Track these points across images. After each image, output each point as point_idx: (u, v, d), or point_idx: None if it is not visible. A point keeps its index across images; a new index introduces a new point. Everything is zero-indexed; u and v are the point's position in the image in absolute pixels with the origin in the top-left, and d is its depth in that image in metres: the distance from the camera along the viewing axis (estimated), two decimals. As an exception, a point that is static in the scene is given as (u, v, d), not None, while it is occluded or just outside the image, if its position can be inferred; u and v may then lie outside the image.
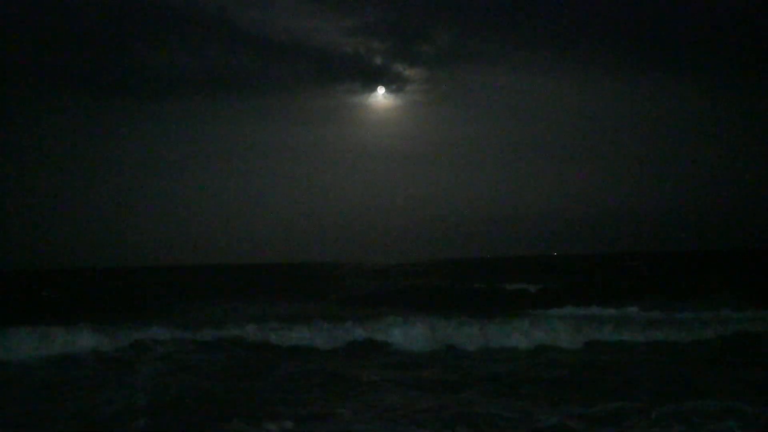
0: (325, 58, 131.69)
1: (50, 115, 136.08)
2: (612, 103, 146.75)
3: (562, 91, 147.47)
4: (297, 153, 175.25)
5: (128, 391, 10.31)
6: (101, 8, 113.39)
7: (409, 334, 13.90)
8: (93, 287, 48.18)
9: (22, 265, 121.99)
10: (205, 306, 27.24)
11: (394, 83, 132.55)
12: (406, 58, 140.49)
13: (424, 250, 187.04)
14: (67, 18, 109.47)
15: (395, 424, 8.34)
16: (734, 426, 7.68)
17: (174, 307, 26.99)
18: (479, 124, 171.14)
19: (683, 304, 21.56)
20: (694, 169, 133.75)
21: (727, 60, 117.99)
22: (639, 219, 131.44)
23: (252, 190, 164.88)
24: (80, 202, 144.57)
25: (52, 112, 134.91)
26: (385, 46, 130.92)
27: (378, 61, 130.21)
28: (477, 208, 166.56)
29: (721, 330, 14.75)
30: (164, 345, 13.87)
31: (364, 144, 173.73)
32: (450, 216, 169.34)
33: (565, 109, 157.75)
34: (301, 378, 11.49)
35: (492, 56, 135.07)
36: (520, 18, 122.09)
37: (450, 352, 13.18)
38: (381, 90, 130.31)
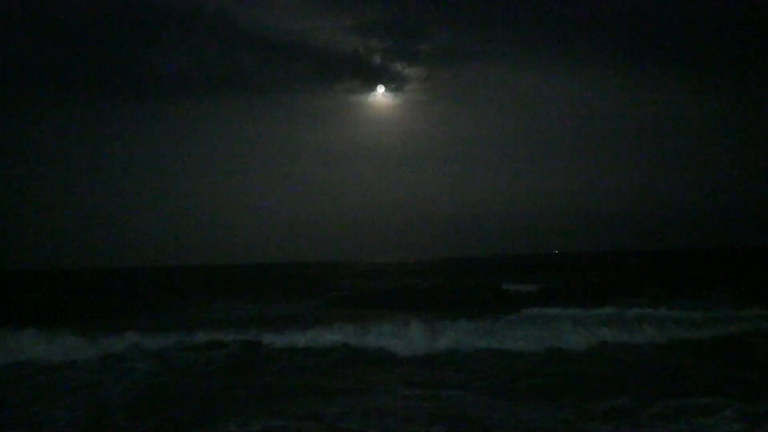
0: (325, 58, 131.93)
1: (50, 115, 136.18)
2: (612, 100, 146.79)
3: (562, 89, 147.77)
4: (297, 152, 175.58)
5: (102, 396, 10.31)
6: (101, 9, 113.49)
7: (399, 335, 13.73)
8: (89, 288, 48.11)
9: (20, 266, 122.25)
10: (198, 306, 27.44)
11: (393, 82, 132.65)
12: (406, 56, 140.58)
13: (425, 249, 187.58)
14: (67, 19, 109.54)
15: (383, 422, 8.26)
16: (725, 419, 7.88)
17: (163, 307, 27.12)
18: (479, 122, 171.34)
19: (686, 303, 21.77)
20: (697, 167, 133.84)
21: (729, 58, 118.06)
22: (641, 217, 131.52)
23: (252, 189, 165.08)
24: (79, 202, 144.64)
25: (52, 112, 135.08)
26: (384, 45, 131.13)
27: (377, 60, 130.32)
28: (477, 206, 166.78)
29: (719, 330, 14.58)
30: (150, 344, 13.79)
31: (363, 143, 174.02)
32: (450, 214, 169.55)
33: (564, 107, 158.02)
34: (290, 378, 11.39)
35: (491, 54, 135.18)
36: (519, 16, 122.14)
37: (443, 353, 12.98)
38: (381, 89, 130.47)
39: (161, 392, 10.50)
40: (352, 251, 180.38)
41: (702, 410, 8.28)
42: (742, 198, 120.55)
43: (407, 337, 13.66)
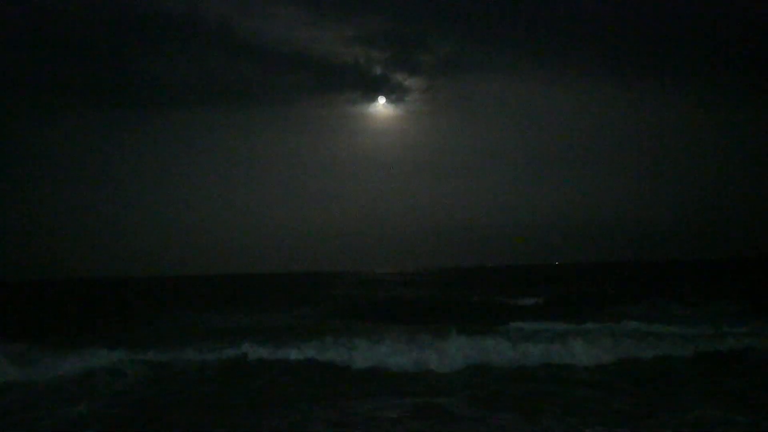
0: (326, 68, 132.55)
1: (51, 125, 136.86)
2: (612, 111, 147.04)
3: (562, 99, 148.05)
4: (297, 162, 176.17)
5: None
6: (103, 20, 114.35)
7: (376, 351, 13.55)
8: (83, 298, 48.11)
9: (23, 276, 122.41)
10: (189, 317, 27.43)
11: (394, 93, 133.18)
12: (406, 67, 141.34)
13: (426, 259, 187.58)
14: (70, 30, 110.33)
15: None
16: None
17: (154, 318, 27.17)
18: (479, 133, 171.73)
19: (681, 316, 21.79)
20: (693, 178, 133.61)
21: (728, 71, 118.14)
22: (641, 227, 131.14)
23: (252, 199, 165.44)
24: (80, 211, 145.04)
25: (53, 121, 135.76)
26: (385, 56, 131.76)
27: (378, 70, 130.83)
28: (478, 216, 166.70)
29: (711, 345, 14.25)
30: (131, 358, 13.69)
31: (364, 153, 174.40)
32: (450, 224, 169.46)
33: (564, 117, 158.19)
34: (274, 391, 11.48)
35: (491, 66, 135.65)
36: (519, 28, 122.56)
37: (422, 371, 12.61)
38: (381, 100, 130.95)
39: (138, 407, 10.49)
40: (353, 261, 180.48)
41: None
42: (742, 208, 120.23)
43: (384, 354, 13.46)
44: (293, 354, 13.91)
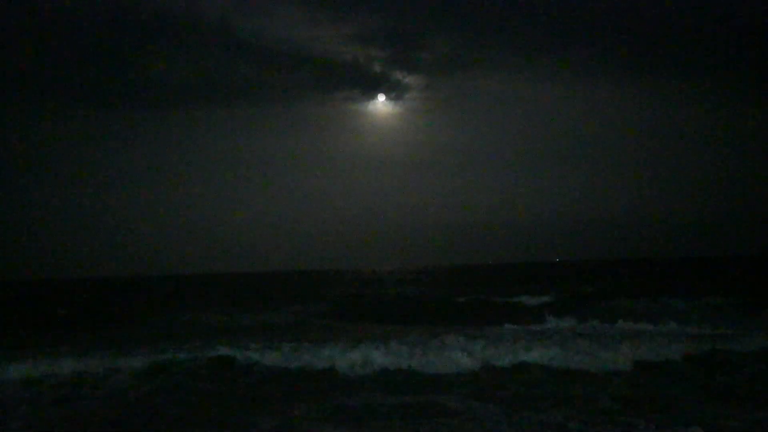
0: (325, 66, 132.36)
1: (49, 124, 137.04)
2: (611, 108, 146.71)
3: (561, 97, 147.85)
4: (297, 161, 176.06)
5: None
6: (102, 19, 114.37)
7: (349, 357, 13.12)
8: (75, 298, 48.16)
9: (23, 275, 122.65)
10: (180, 316, 27.63)
11: (393, 91, 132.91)
12: (405, 65, 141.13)
13: (425, 257, 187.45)
14: (68, 29, 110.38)
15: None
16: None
17: (140, 318, 27.35)
18: (478, 131, 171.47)
19: (680, 313, 21.82)
20: (694, 175, 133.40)
21: (727, 68, 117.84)
22: (641, 225, 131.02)
23: (251, 198, 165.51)
24: (78, 210, 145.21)
25: (54, 122, 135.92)
26: (384, 54, 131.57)
27: (377, 68, 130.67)
28: (477, 214, 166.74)
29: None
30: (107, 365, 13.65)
31: (363, 151, 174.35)
32: (450, 222, 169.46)
33: (563, 115, 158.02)
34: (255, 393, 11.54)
35: (491, 63, 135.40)
36: (518, 25, 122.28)
37: (391, 374, 12.36)
38: (381, 97, 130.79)
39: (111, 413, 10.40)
40: (353, 259, 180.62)
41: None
42: (742, 206, 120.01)
43: (357, 359, 13.26)
44: (256, 356, 13.84)
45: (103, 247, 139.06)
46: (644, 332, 16.61)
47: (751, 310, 22.98)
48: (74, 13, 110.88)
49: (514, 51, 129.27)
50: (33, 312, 33.94)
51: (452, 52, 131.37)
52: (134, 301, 41.73)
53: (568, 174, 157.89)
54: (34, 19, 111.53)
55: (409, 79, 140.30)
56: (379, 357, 13.16)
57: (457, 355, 13.00)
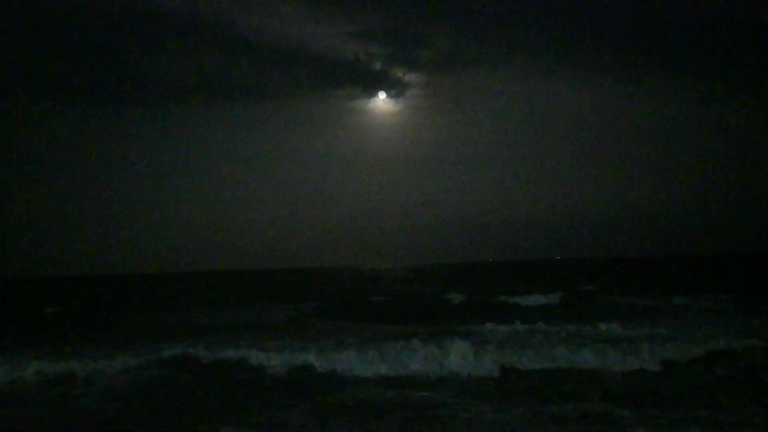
0: (325, 64, 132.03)
1: (50, 122, 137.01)
2: (612, 106, 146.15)
3: (562, 94, 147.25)
4: (297, 158, 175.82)
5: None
6: (103, 18, 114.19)
7: (331, 358, 12.77)
8: (67, 297, 47.90)
9: (23, 272, 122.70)
10: (168, 315, 27.53)
11: (393, 88, 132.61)
12: (406, 62, 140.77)
13: (426, 254, 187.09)
14: (70, 28, 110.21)
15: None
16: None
17: (124, 319, 27.13)
18: (479, 128, 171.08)
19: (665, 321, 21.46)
20: (698, 171, 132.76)
21: (729, 65, 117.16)
22: (640, 223, 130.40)
23: (252, 196, 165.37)
24: (79, 208, 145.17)
25: (53, 118, 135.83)
26: (384, 52, 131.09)
27: (377, 66, 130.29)
28: (478, 211, 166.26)
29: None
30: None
31: (364, 148, 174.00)
32: (451, 219, 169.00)
33: (565, 112, 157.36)
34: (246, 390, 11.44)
35: (491, 60, 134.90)
36: (519, 23, 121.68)
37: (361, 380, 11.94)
38: (382, 95, 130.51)
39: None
40: (353, 257, 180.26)
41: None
42: (745, 203, 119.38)
43: (336, 361, 12.92)
44: (229, 354, 13.62)
45: (100, 244, 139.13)
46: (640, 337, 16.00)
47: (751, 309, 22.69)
48: (74, 11, 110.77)
49: (514, 48, 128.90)
50: (20, 310, 33.67)
51: (453, 49, 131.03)
52: (125, 300, 41.46)
53: (569, 172, 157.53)
54: (33, 17, 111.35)
55: (409, 77, 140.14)
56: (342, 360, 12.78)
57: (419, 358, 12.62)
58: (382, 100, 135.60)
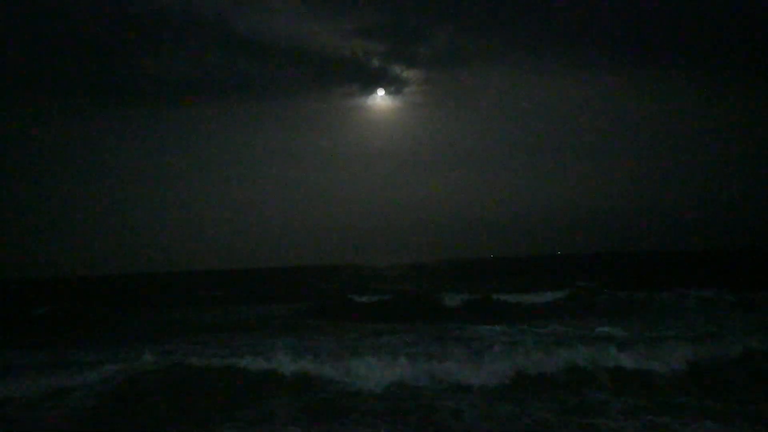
0: (324, 62, 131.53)
1: (50, 122, 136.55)
2: (611, 101, 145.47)
3: (561, 90, 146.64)
4: (296, 156, 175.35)
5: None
6: (101, 17, 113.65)
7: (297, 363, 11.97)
8: (61, 298, 47.51)
9: (21, 274, 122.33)
10: (147, 316, 27.39)
11: (392, 85, 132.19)
12: (404, 59, 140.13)
13: (425, 251, 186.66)
14: (67, 27, 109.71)
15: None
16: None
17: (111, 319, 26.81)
18: (477, 124, 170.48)
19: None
20: (697, 167, 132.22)
21: (728, 62, 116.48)
22: (640, 218, 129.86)
23: (251, 194, 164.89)
24: (78, 207, 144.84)
25: (53, 118, 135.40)
26: (382, 49, 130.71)
27: (376, 63, 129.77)
28: (477, 208, 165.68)
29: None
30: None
31: (363, 146, 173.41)
32: (451, 216, 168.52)
33: (563, 108, 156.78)
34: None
35: (489, 57, 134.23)
36: (517, 19, 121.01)
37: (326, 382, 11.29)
38: (380, 92, 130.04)
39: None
40: (352, 254, 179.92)
41: None
42: (746, 199, 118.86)
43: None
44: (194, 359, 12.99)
45: (100, 244, 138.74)
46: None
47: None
48: (72, 12, 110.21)
49: (513, 45, 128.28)
50: (8, 312, 33.27)
51: (451, 45, 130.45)
52: (118, 300, 41.01)
53: (568, 167, 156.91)
54: (32, 17, 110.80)
55: (407, 74, 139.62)
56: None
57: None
58: (380, 97, 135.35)
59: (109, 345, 17.23)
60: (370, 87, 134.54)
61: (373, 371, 11.39)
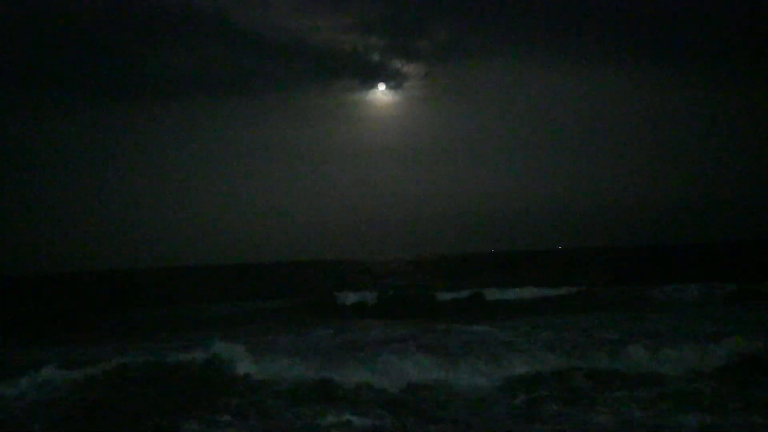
0: (324, 56, 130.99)
1: (50, 118, 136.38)
2: (612, 96, 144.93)
3: (562, 84, 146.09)
4: (297, 151, 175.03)
5: None
6: (99, 12, 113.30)
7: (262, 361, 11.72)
8: (62, 295, 47.45)
9: (23, 269, 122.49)
10: (136, 312, 27.15)
11: (392, 79, 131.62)
12: (404, 54, 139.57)
13: (425, 246, 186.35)
14: (66, 22, 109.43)
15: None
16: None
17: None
18: (478, 119, 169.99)
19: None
20: (697, 162, 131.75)
21: (729, 53, 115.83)
22: (641, 212, 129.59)
23: (252, 189, 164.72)
24: (78, 203, 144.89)
25: (52, 115, 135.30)
26: (383, 43, 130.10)
27: (376, 57, 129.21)
28: (478, 202, 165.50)
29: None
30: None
31: (363, 140, 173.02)
32: (451, 211, 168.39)
33: (564, 103, 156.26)
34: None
35: (490, 51, 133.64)
36: (517, 12, 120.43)
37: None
38: (381, 86, 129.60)
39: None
40: (353, 249, 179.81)
41: None
42: (746, 192, 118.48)
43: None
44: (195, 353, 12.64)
45: (99, 239, 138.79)
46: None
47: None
48: (71, 7, 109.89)
49: (513, 38, 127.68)
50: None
51: (452, 39, 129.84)
52: (112, 296, 41.02)
53: (569, 161, 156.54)
54: (31, 14, 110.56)
55: (408, 68, 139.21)
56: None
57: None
58: (380, 91, 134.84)
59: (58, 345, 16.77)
60: (370, 81, 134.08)
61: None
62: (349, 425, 8.51)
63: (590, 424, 8.29)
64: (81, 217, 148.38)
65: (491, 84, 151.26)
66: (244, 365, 11.58)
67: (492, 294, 27.32)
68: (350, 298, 27.92)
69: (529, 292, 27.29)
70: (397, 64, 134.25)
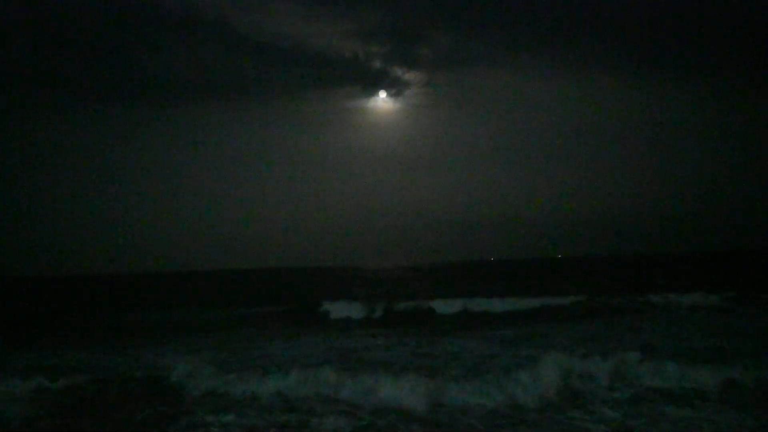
0: (325, 63, 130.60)
1: (51, 121, 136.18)
2: (613, 104, 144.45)
3: (563, 92, 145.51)
4: (297, 157, 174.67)
5: None
6: (101, 15, 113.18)
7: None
8: (61, 298, 46.88)
9: (22, 271, 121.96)
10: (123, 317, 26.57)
11: (393, 87, 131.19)
12: (405, 61, 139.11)
13: (425, 253, 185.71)
14: (68, 25, 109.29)
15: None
16: None
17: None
18: (479, 127, 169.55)
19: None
20: (697, 170, 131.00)
21: (729, 60, 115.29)
22: (641, 221, 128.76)
23: (251, 194, 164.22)
24: (78, 207, 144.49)
25: (53, 118, 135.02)
26: (384, 50, 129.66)
27: (377, 64, 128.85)
28: (478, 210, 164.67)
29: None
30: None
31: (364, 148, 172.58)
32: (452, 218, 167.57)
33: (564, 110, 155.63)
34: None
35: (491, 59, 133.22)
36: (518, 20, 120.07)
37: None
38: (382, 94, 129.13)
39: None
40: (352, 256, 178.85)
41: None
42: (745, 200, 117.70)
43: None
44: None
45: (100, 243, 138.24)
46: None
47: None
48: (73, 10, 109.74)
49: (514, 46, 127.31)
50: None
51: (452, 47, 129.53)
52: (102, 300, 40.44)
53: (569, 169, 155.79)
54: (33, 16, 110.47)
55: (409, 75, 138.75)
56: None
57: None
58: (381, 99, 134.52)
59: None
60: (371, 89, 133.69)
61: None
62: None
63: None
64: (79, 220, 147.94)
65: (492, 91, 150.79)
66: (205, 381, 10.87)
67: (478, 305, 26.39)
68: (337, 307, 27.00)
69: (527, 303, 26.38)
70: (398, 71, 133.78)
